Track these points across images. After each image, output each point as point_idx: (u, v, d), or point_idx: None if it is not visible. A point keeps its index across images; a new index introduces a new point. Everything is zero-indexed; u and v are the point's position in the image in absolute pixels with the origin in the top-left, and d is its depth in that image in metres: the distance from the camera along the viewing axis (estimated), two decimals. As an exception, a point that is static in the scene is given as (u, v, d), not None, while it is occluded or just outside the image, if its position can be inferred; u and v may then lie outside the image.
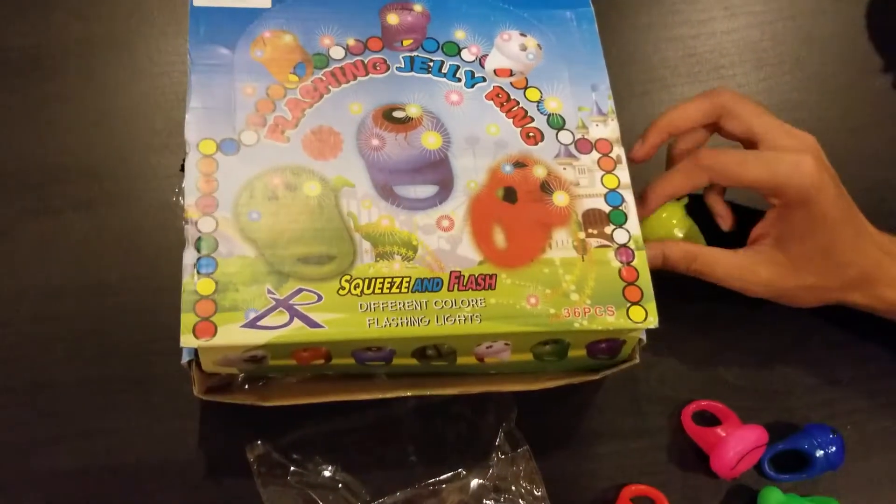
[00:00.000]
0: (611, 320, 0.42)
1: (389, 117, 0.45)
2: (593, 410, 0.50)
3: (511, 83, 0.48)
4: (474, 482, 0.47)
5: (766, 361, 0.52)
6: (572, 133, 0.47)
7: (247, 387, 0.44)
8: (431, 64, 0.47)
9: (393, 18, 0.48)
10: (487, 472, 0.47)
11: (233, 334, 0.39)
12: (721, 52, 0.60)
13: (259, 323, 0.39)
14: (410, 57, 0.47)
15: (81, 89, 0.55)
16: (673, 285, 0.46)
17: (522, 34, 0.49)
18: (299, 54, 0.46)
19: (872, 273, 0.48)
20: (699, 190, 0.51)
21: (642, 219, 0.47)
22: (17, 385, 0.47)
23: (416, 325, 0.41)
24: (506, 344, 0.43)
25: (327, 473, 0.46)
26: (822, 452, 0.48)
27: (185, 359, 0.40)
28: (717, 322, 0.52)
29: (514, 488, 0.47)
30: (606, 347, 0.44)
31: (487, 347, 0.43)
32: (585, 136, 0.47)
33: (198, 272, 0.40)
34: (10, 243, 0.50)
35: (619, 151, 0.47)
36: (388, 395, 0.44)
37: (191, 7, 0.46)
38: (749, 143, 0.49)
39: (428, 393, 0.44)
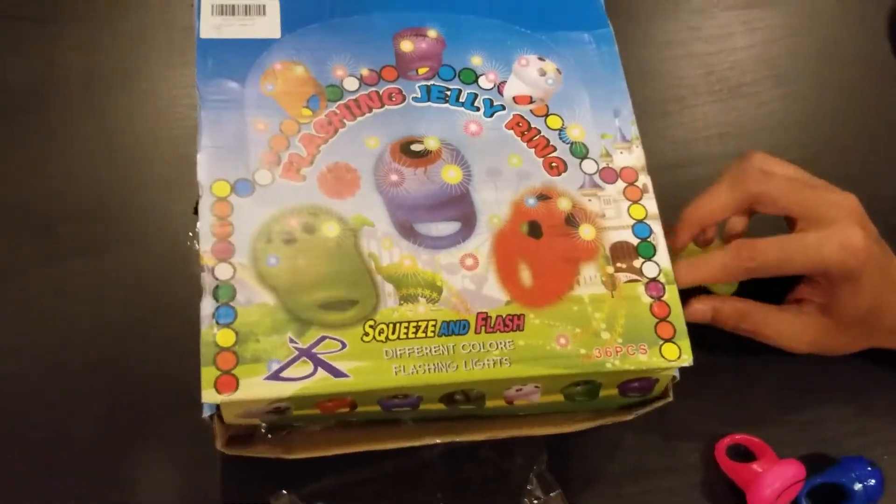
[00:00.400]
0: (643, 359, 0.41)
1: (407, 151, 0.44)
2: (624, 448, 0.48)
3: (531, 111, 0.46)
4: (507, 529, 0.45)
5: (799, 391, 0.51)
6: (596, 162, 0.45)
7: (269, 436, 0.43)
8: (448, 93, 0.46)
9: (407, 45, 0.47)
10: (519, 518, 0.46)
11: (256, 388, 0.37)
12: (741, 69, 0.59)
13: (282, 374, 0.38)
14: (427, 86, 0.46)
15: (85, 125, 0.53)
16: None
17: (541, 58, 0.48)
18: (312, 87, 0.44)
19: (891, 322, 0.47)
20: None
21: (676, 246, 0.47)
22: (28, 441, 0.46)
23: (444, 370, 0.39)
24: (536, 387, 0.42)
25: (354, 523, 0.45)
26: (860, 486, 0.47)
27: (206, 413, 0.39)
28: (747, 352, 0.51)
29: (549, 535, 0.45)
30: (639, 386, 0.43)
31: (517, 391, 0.42)
32: (610, 165, 0.45)
33: (217, 322, 0.38)
34: (16, 291, 0.49)
35: (645, 180, 0.45)
36: (415, 443, 0.42)
37: (197, 39, 0.44)
38: (790, 220, 0.47)
39: (456, 439, 0.42)
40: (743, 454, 0.49)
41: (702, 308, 0.47)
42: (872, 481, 0.47)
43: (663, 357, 0.41)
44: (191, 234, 0.42)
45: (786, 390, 0.51)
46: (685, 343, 0.42)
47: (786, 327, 0.47)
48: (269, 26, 0.46)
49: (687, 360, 0.41)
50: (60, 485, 0.45)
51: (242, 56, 0.44)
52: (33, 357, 0.48)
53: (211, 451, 0.41)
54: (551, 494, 0.45)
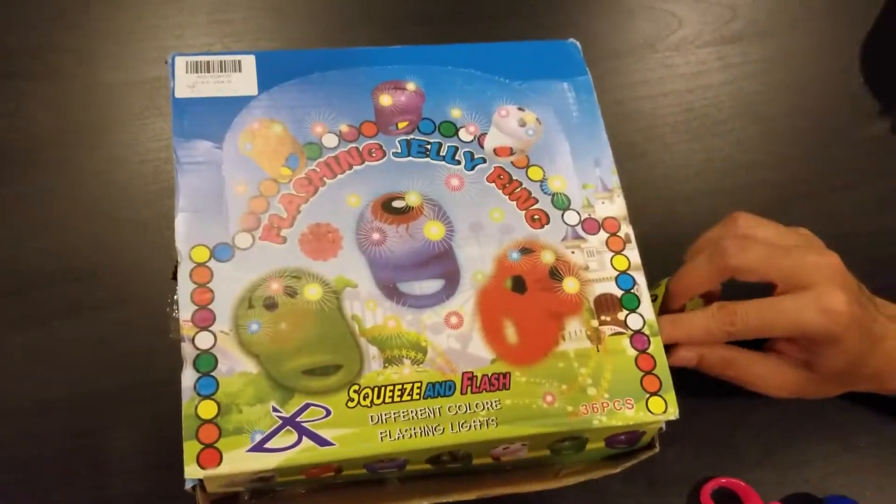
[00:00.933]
0: (630, 414, 0.41)
1: (389, 208, 0.44)
2: (610, 495, 0.48)
3: (512, 163, 0.46)
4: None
5: (782, 433, 0.51)
6: (578, 213, 0.45)
7: (253, 501, 0.42)
8: (429, 147, 0.45)
9: (386, 100, 0.46)
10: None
11: (239, 461, 0.37)
12: (718, 106, 0.59)
13: (266, 445, 0.37)
14: (407, 140, 0.45)
15: (59, 184, 0.52)
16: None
17: (520, 108, 0.47)
18: (290, 145, 0.44)
19: (883, 369, 0.48)
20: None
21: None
22: None
23: (430, 434, 0.39)
24: (523, 444, 0.42)
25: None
26: None
27: (188, 485, 0.38)
28: (729, 395, 0.51)
29: None
30: (626, 439, 0.43)
31: (504, 449, 0.42)
32: (592, 216, 0.45)
33: (198, 394, 0.38)
34: None
35: (627, 230, 0.45)
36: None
37: (173, 99, 0.44)
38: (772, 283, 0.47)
39: (444, 500, 0.42)
40: (728, 498, 0.49)
41: (688, 355, 0.47)
42: None
43: (650, 411, 0.41)
44: (169, 300, 0.41)
45: (769, 433, 0.51)
46: (671, 396, 0.41)
47: (769, 375, 0.47)
48: (245, 83, 0.45)
49: (673, 413, 0.41)
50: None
51: (219, 115, 0.44)
52: (10, 423, 0.47)
53: None
54: None
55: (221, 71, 0.45)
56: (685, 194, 0.57)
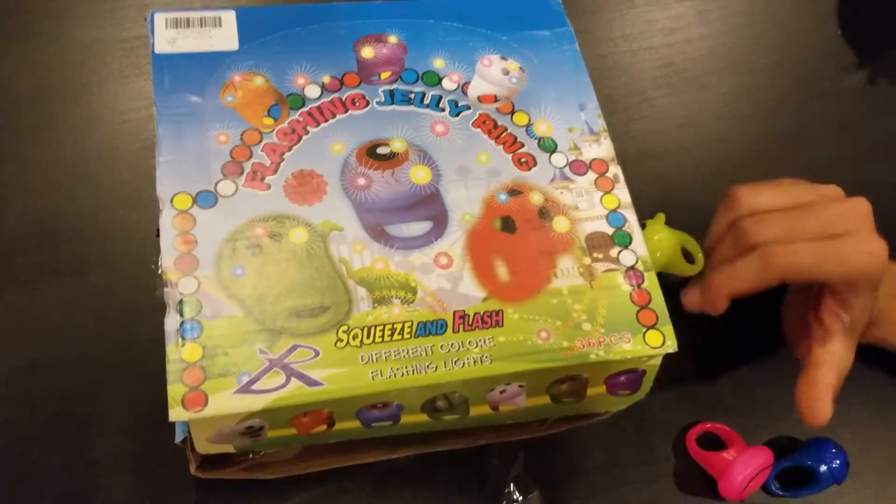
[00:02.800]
0: (627, 348, 0.40)
1: (374, 154, 0.43)
2: (598, 444, 0.48)
3: (497, 109, 0.46)
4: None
5: (764, 379, 0.51)
6: (565, 155, 0.45)
7: (249, 456, 0.41)
8: (413, 96, 0.45)
9: (368, 52, 0.46)
10: (499, 521, 0.44)
11: (226, 402, 0.36)
12: (698, 60, 0.59)
13: (253, 387, 0.36)
14: (390, 90, 0.45)
15: (38, 145, 0.51)
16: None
17: (503, 58, 0.47)
18: (273, 96, 0.44)
19: (876, 318, 0.47)
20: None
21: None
22: None
23: (423, 372, 0.38)
24: (520, 386, 0.40)
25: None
26: (825, 467, 0.48)
27: (179, 437, 0.37)
28: (710, 343, 0.51)
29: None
30: (627, 381, 0.42)
31: (501, 392, 0.40)
32: (579, 158, 0.45)
33: (182, 338, 0.37)
34: None
35: (615, 170, 0.45)
36: (392, 455, 0.41)
37: (153, 54, 0.44)
38: None
39: (433, 450, 0.41)
40: (713, 443, 0.49)
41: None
42: (837, 462, 0.48)
43: (647, 345, 0.40)
44: (154, 258, 0.41)
45: (751, 378, 0.51)
46: (668, 329, 0.40)
47: (837, 353, 0.45)
48: (226, 38, 0.45)
49: (671, 346, 0.40)
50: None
51: (200, 69, 0.44)
52: None
53: (185, 474, 0.40)
54: (529, 496, 0.45)
55: (202, 27, 0.45)
56: (666, 147, 0.56)
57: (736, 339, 0.51)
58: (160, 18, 0.45)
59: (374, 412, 0.39)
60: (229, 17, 0.46)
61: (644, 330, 0.40)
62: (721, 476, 0.47)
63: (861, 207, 0.44)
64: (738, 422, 0.49)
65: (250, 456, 0.44)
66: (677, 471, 0.48)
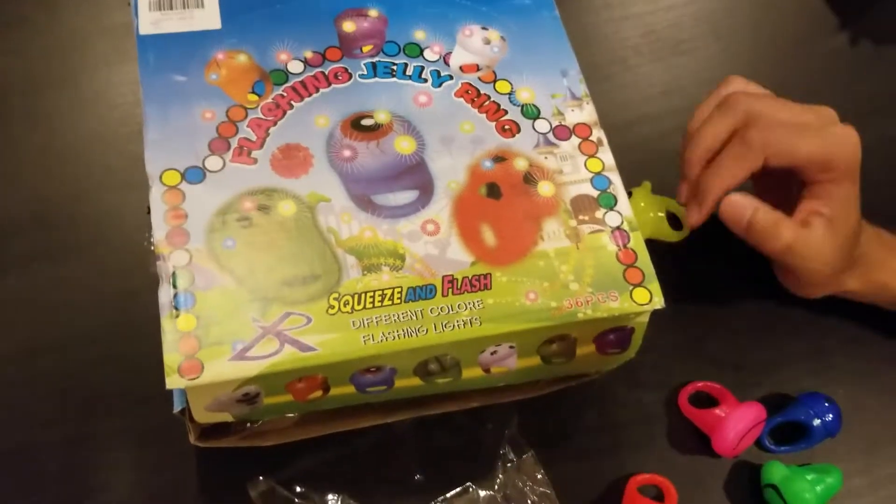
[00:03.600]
0: (615, 306, 0.40)
1: (358, 126, 0.44)
2: (591, 405, 0.49)
3: (479, 78, 0.46)
4: (483, 494, 0.45)
5: (754, 336, 0.52)
6: (548, 121, 0.45)
7: (248, 426, 0.42)
8: (395, 67, 0.46)
9: (349, 26, 0.46)
10: (495, 482, 0.45)
11: (221, 369, 0.36)
12: (680, 27, 0.60)
13: (248, 354, 0.37)
14: (372, 63, 0.46)
15: (28, 132, 0.52)
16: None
17: (484, 28, 0.48)
18: (256, 73, 0.44)
19: (869, 254, 0.48)
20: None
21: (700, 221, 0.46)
22: (0, 452, 0.45)
23: (414, 335, 0.38)
24: (511, 347, 0.41)
25: (333, 502, 0.44)
26: (819, 421, 0.48)
27: (177, 408, 0.38)
28: (700, 303, 0.52)
29: (523, 496, 0.45)
30: (616, 339, 0.43)
31: (492, 354, 0.41)
32: (562, 123, 0.45)
33: (176, 308, 0.37)
34: None
35: (599, 134, 0.45)
36: (388, 419, 0.42)
37: (137, 36, 0.44)
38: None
39: (428, 413, 0.42)
40: (705, 400, 0.50)
41: (742, 202, 0.44)
42: (830, 416, 0.48)
43: (635, 301, 0.41)
44: (146, 234, 0.41)
45: (741, 336, 0.52)
46: (655, 286, 0.41)
47: (812, 242, 0.45)
48: (208, 18, 0.45)
49: (658, 302, 0.41)
50: (30, 496, 0.44)
51: (184, 48, 0.44)
52: None
53: (184, 445, 0.40)
54: (524, 456, 0.46)
55: (184, 8, 0.45)
56: (650, 114, 0.57)
57: (726, 298, 0.51)
58: (143, 1, 0.45)
59: (367, 377, 0.40)
60: (211, -2, 0.46)
61: (631, 288, 0.41)
62: (714, 432, 0.47)
63: (830, 112, 0.46)
64: (730, 380, 0.49)
65: (248, 425, 0.45)
66: (671, 429, 0.49)
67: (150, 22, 0.45)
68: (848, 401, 0.49)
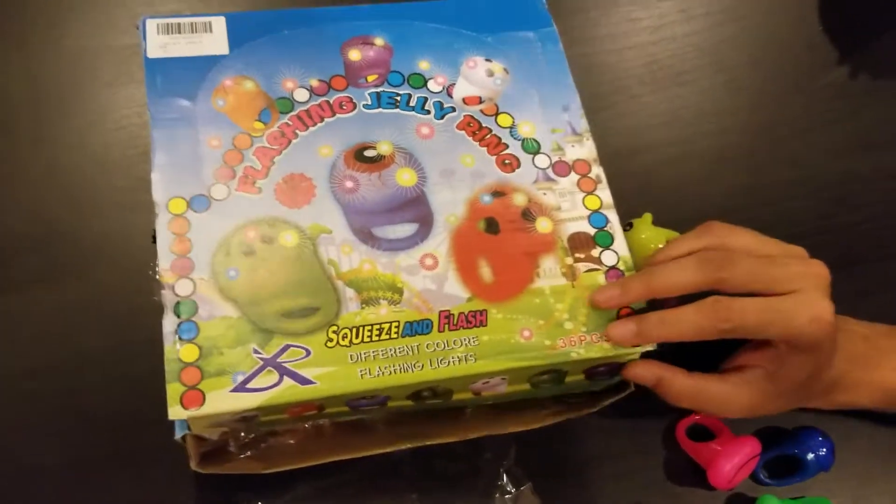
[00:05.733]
0: (608, 346, 0.41)
1: (361, 157, 0.44)
2: (588, 435, 0.49)
3: (481, 111, 0.47)
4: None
5: None
6: (548, 156, 0.46)
7: (246, 453, 0.43)
8: (399, 98, 0.46)
9: (355, 55, 0.47)
10: (493, 513, 0.46)
11: (222, 401, 0.37)
12: (682, 58, 0.60)
13: (248, 386, 0.38)
14: (377, 93, 0.46)
15: (34, 152, 0.52)
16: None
17: (488, 59, 0.48)
18: (263, 100, 0.45)
19: (835, 381, 0.47)
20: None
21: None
22: None
23: (410, 370, 0.39)
24: (503, 378, 0.42)
25: (331, 530, 0.45)
26: (812, 456, 0.49)
27: (178, 434, 0.39)
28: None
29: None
30: (606, 370, 0.44)
31: (484, 384, 0.42)
32: (562, 159, 0.46)
33: (179, 338, 0.38)
34: None
35: (598, 171, 0.46)
36: (388, 448, 0.43)
37: (145, 59, 0.45)
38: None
39: (428, 443, 0.43)
40: (701, 434, 0.50)
41: (646, 374, 0.44)
42: (824, 450, 0.49)
43: (627, 343, 0.42)
44: (151, 264, 0.42)
45: None
46: None
47: (730, 399, 0.45)
48: (216, 43, 0.46)
49: (652, 344, 0.42)
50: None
51: (191, 73, 0.45)
52: None
53: (184, 469, 0.41)
54: (522, 488, 0.46)
55: (192, 32, 0.46)
56: (652, 144, 0.58)
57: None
58: (152, 25, 0.46)
59: (362, 401, 0.41)
60: (219, 23, 0.46)
61: (623, 327, 0.42)
62: (710, 466, 0.47)
63: (820, 270, 0.43)
64: None
65: (248, 452, 0.46)
66: (667, 462, 0.49)
67: (158, 45, 0.45)
68: (841, 434, 0.49)
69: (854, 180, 0.58)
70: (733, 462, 0.47)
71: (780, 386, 0.45)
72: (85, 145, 0.52)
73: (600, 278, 0.43)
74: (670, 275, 0.42)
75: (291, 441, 0.44)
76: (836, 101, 0.61)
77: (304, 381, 0.38)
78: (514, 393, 0.44)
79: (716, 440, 0.49)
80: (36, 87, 0.53)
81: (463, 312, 0.41)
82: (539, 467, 0.47)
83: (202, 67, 0.45)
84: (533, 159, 0.46)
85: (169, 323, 0.39)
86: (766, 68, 0.61)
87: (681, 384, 0.44)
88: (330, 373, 0.39)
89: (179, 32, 0.46)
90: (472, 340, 0.41)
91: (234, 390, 0.38)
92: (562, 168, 0.46)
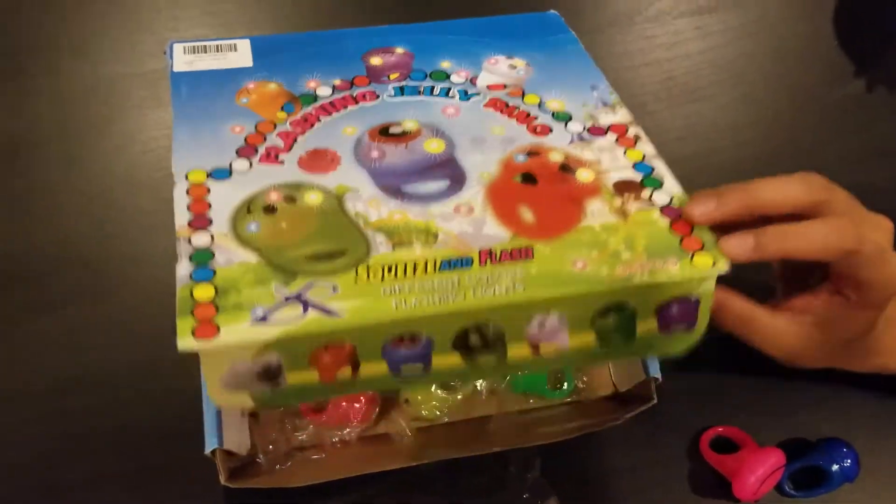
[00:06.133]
0: (675, 270, 0.36)
1: (386, 133, 0.43)
2: (612, 446, 0.48)
3: (507, 94, 0.46)
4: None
5: (774, 380, 0.50)
6: (582, 122, 0.44)
7: (275, 468, 0.39)
8: (422, 89, 0.46)
9: (377, 60, 0.48)
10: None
11: (239, 332, 0.33)
12: (697, 74, 0.61)
13: (268, 319, 0.33)
14: (400, 86, 0.46)
15: (65, 175, 0.53)
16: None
17: (509, 57, 0.48)
18: (286, 97, 0.45)
19: (871, 346, 0.45)
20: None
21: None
22: (30, 489, 0.43)
23: (450, 300, 0.35)
24: (560, 321, 0.37)
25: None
26: (837, 467, 0.49)
27: (208, 449, 0.36)
28: (720, 347, 0.47)
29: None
30: (680, 312, 0.38)
31: (539, 326, 0.37)
32: (596, 124, 0.44)
33: (193, 280, 0.35)
34: (11, 341, 0.48)
35: (636, 130, 0.44)
36: (414, 462, 0.39)
37: (171, 73, 0.46)
38: None
39: (454, 456, 0.39)
40: (725, 445, 0.50)
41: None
42: (848, 462, 0.49)
43: (696, 267, 0.37)
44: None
45: (761, 381, 0.51)
46: (718, 252, 0.37)
47: (775, 332, 0.42)
48: (241, 58, 0.47)
49: (723, 266, 0.37)
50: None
51: (215, 81, 0.45)
52: (28, 406, 0.46)
53: (214, 484, 0.38)
54: (546, 501, 0.43)
55: (218, 52, 0.47)
56: (668, 159, 0.54)
57: (740, 349, 0.47)
58: (179, 48, 0.47)
59: (401, 350, 0.35)
60: (244, 45, 0.48)
61: (690, 254, 0.37)
62: (734, 477, 0.47)
63: (888, 223, 0.44)
64: (751, 425, 0.49)
65: (277, 466, 0.41)
66: (692, 473, 0.48)
67: (184, 62, 0.46)
68: (866, 445, 0.49)
69: (870, 191, 0.55)
70: (757, 474, 0.47)
71: (829, 337, 0.42)
72: (114, 168, 0.53)
73: (655, 215, 0.39)
74: (775, 186, 0.40)
75: (319, 456, 0.42)
76: (852, 113, 0.61)
77: (331, 312, 0.34)
78: (580, 349, 0.38)
79: (740, 452, 0.48)
80: (65, 111, 0.55)
81: (506, 249, 0.37)
82: (564, 480, 0.45)
83: (226, 77, 0.46)
84: (566, 125, 0.44)
85: (183, 268, 0.35)
86: (782, 83, 0.62)
87: (738, 306, 0.41)
88: (360, 305, 0.34)
89: (205, 52, 0.47)
90: (518, 272, 0.36)
91: (253, 323, 0.33)
92: (597, 131, 0.44)
